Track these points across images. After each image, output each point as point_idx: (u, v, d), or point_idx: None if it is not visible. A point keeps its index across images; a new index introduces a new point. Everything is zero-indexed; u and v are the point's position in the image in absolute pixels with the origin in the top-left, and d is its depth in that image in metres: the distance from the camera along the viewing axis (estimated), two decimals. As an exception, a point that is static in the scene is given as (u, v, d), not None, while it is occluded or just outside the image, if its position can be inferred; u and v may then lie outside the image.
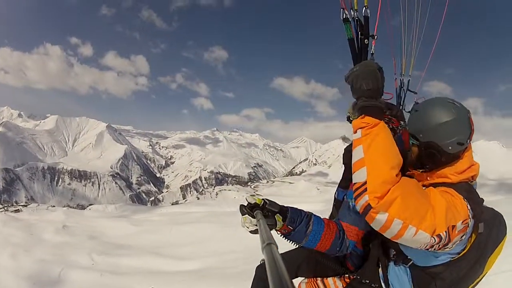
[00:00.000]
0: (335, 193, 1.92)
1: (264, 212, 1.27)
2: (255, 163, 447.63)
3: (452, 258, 1.33)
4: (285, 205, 1.39)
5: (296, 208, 1.47)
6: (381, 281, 1.48)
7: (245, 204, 1.29)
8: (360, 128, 1.17)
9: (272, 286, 0.58)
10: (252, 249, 5.61)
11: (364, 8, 1.41)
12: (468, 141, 1.30)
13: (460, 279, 1.37)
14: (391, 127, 1.53)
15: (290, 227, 1.35)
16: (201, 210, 15.90)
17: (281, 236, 1.39)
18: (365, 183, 1.10)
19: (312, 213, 1.49)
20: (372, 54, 1.41)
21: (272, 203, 1.33)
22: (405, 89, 2.21)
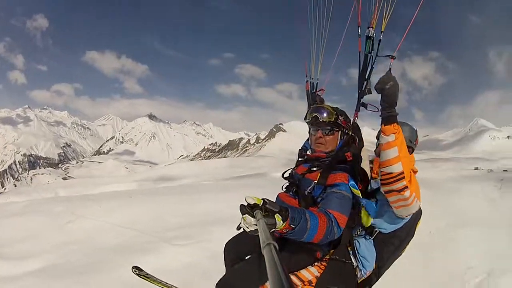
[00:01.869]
0: (311, 189, 1.72)
1: (264, 212, 1.26)
2: (64, 143, 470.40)
3: (404, 223, 1.90)
4: (284, 205, 1.39)
5: (293, 206, 1.51)
6: (351, 256, 1.78)
7: (245, 204, 1.26)
8: (393, 133, 1.58)
9: (272, 285, 0.59)
10: (87, 239, 5.39)
11: (381, 32, 1.70)
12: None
13: (401, 242, 1.96)
14: (348, 133, 1.90)
15: (292, 226, 1.36)
16: (23, 199, 13.38)
17: (282, 235, 1.42)
18: (402, 172, 1.58)
19: (304, 209, 1.53)
20: (390, 69, 1.62)
21: (272, 203, 1.31)
22: (315, 90, 2.38)
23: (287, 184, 1.97)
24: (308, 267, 1.74)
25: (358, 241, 1.86)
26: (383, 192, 1.75)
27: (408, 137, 2.21)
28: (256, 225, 1.22)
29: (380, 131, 1.76)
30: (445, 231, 6.47)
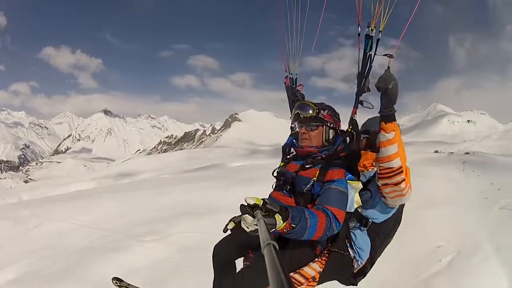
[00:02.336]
0: (310, 186, 1.73)
1: (264, 212, 1.26)
2: (23, 144, 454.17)
3: (393, 212, 1.96)
4: (284, 205, 1.39)
5: (292, 206, 1.55)
6: (348, 248, 1.85)
7: (245, 204, 1.26)
8: (393, 130, 1.64)
9: (272, 285, 0.60)
10: (56, 244, 5.08)
11: (379, 31, 1.73)
12: None
13: (391, 229, 2.04)
14: (334, 126, 1.90)
15: (293, 225, 1.37)
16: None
17: (282, 234, 1.41)
18: (400, 167, 1.67)
19: (303, 207, 1.55)
20: (389, 68, 1.64)
21: (272, 203, 1.31)
22: (295, 86, 2.39)
23: (279, 182, 1.94)
24: (310, 263, 1.77)
25: (354, 233, 1.92)
26: (380, 185, 1.80)
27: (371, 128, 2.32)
28: (256, 225, 1.22)
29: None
30: (414, 213, 6.80)
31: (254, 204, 1.25)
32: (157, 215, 6.54)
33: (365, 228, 1.94)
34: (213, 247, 1.98)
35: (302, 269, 1.74)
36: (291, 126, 2.23)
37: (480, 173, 12.40)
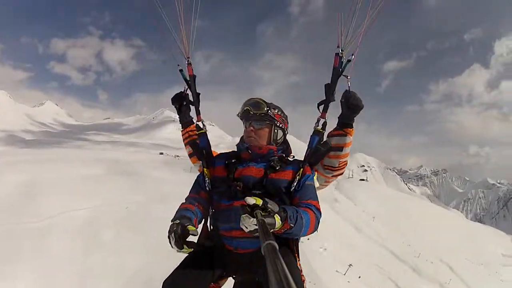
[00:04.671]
0: (295, 186, 1.71)
1: (264, 212, 1.26)
2: None
3: None
4: (281, 205, 1.39)
5: (287, 205, 1.52)
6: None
7: (245, 204, 1.25)
8: (352, 135, 1.91)
9: (273, 285, 0.59)
10: None
11: (352, 55, 1.85)
12: None
13: None
14: (282, 127, 1.91)
15: (292, 225, 1.38)
16: None
17: (280, 234, 1.41)
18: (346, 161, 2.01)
19: (295, 206, 1.55)
20: (349, 87, 1.86)
21: (272, 203, 1.31)
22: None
23: (235, 189, 1.70)
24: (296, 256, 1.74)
25: None
26: (329, 176, 2.03)
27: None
28: (256, 225, 1.20)
29: (333, 133, 1.98)
30: (148, 207, 7.62)
31: (254, 204, 1.25)
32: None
33: None
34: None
35: (298, 264, 1.70)
36: (197, 124, 2.06)
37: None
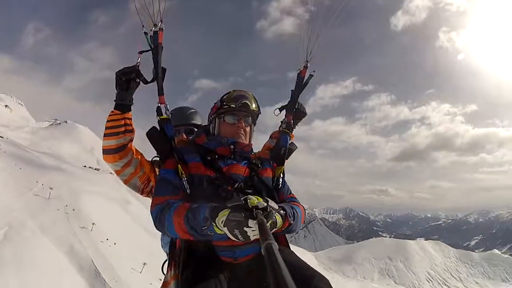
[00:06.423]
0: (282, 183, 1.71)
1: (265, 212, 1.19)
2: None
3: None
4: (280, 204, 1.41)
5: (285, 203, 1.54)
6: None
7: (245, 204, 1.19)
8: (292, 139, 2.01)
9: (273, 285, 0.58)
10: None
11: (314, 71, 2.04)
12: None
13: None
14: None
15: (292, 221, 1.41)
16: None
17: (278, 233, 1.44)
18: None
19: (287, 203, 1.58)
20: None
21: (273, 203, 1.27)
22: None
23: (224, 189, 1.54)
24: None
25: None
26: None
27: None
28: (256, 225, 1.15)
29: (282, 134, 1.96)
30: None
31: (254, 204, 1.19)
32: None
33: None
34: None
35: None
36: (158, 107, 1.69)
37: (22, 166, 15.55)
